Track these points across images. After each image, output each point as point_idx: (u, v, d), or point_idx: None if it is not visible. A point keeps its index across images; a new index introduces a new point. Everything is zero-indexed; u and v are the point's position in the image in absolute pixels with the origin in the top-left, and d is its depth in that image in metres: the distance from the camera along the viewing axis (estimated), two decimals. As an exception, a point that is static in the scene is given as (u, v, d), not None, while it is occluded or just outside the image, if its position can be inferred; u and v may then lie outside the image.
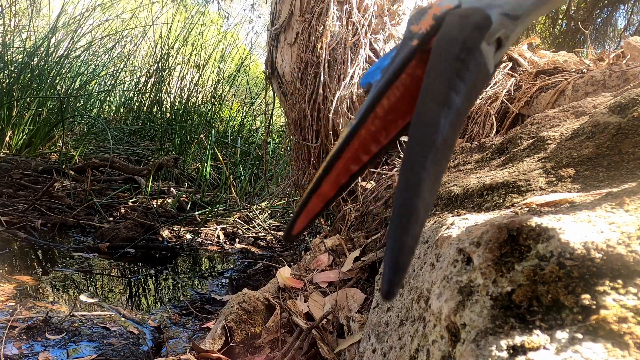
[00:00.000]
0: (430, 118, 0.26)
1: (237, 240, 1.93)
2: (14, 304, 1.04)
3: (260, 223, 2.11)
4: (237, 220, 2.14)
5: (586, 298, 0.29)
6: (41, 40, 2.98)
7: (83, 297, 1.15)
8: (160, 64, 3.46)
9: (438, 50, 0.29)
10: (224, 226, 2.05)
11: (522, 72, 1.45)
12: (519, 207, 0.47)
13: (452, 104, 0.27)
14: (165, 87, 3.54)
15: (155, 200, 2.14)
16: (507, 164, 0.68)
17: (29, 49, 2.94)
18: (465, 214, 0.54)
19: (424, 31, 0.32)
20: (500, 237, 0.35)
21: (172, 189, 2.41)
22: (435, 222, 0.53)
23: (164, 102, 3.56)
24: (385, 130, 0.34)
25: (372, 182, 1.25)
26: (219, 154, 2.65)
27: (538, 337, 0.29)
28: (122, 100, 3.74)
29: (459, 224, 0.45)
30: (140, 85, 3.63)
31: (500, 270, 0.34)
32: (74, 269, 1.35)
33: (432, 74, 0.28)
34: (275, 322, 0.85)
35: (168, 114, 3.53)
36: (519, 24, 0.32)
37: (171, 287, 1.34)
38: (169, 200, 2.21)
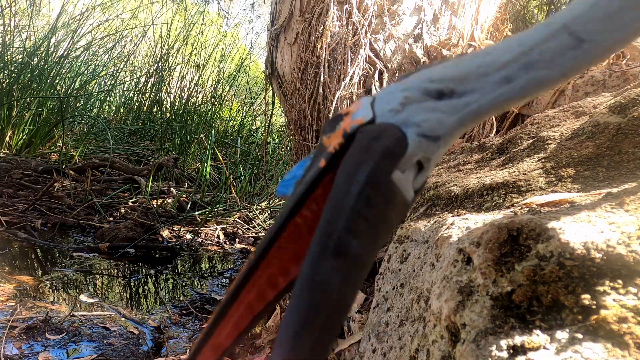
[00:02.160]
0: (314, 274, 0.22)
1: (237, 240, 1.93)
2: (14, 304, 1.04)
3: (260, 223, 2.11)
4: (237, 220, 2.14)
5: (586, 298, 0.29)
6: (41, 40, 2.98)
7: (83, 297, 1.15)
8: (160, 64, 3.46)
9: (338, 184, 0.24)
10: (224, 226, 2.05)
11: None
12: (519, 207, 0.47)
13: (348, 251, 0.22)
14: (165, 87, 3.54)
15: (155, 200, 2.14)
16: (507, 164, 0.68)
17: (29, 49, 2.94)
18: (465, 214, 0.54)
19: (332, 150, 0.27)
20: (500, 237, 0.35)
21: (172, 189, 2.41)
22: (435, 222, 0.53)
23: (164, 102, 3.56)
24: (295, 261, 0.29)
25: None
26: (219, 154, 2.65)
27: (538, 337, 0.29)
28: (122, 100, 3.74)
29: (459, 224, 0.45)
30: (140, 85, 3.63)
31: (500, 270, 0.34)
32: (74, 269, 1.35)
33: (328, 213, 0.23)
34: (275, 322, 0.85)
35: (168, 114, 3.53)
36: (442, 144, 0.27)
37: (171, 287, 1.34)
38: (169, 200, 2.21)
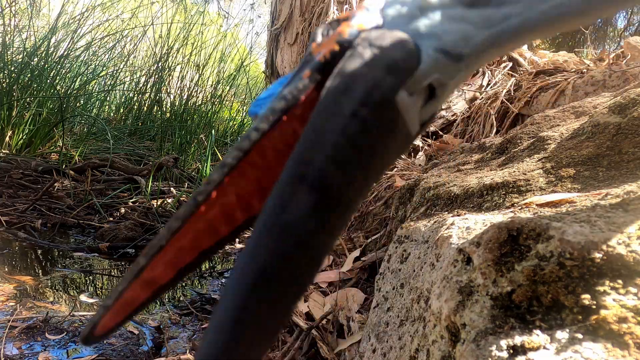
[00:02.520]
0: (282, 211, 0.16)
1: (237, 240, 1.93)
2: (14, 304, 1.04)
3: (260, 223, 2.11)
4: (237, 220, 2.14)
5: (586, 298, 0.29)
6: (41, 40, 2.98)
7: (83, 297, 1.15)
8: (160, 64, 3.46)
9: (326, 100, 0.19)
10: (224, 226, 2.05)
11: (522, 72, 1.45)
12: (519, 207, 0.47)
13: (330, 186, 0.17)
14: (165, 87, 3.54)
15: (155, 200, 2.14)
16: (507, 164, 0.68)
17: (29, 49, 2.94)
18: (465, 214, 0.54)
19: (322, 59, 0.21)
20: (500, 237, 0.35)
21: (172, 189, 2.41)
22: (435, 222, 0.53)
23: (164, 102, 3.56)
24: (258, 195, 0.24)
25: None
26: (219, 154, 2.64)
27: (538, 337, 0.29)
28: (122, 100, 3.74)
29: (459, 224, 0.45)
30: (140, 85, 3.63)
31: (500, 270, 0.34)
32: (74, 269, 1.35)
33: (309, 135, 0.18)
34: (275, 322, 0.85)
35: (168, 114, 3.53)
36: (463, 67, 0.22)
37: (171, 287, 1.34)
38: (169, 200, 2.21)
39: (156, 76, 3.47)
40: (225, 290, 0.17)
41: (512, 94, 1.25)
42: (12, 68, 2.78)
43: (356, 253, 0.97)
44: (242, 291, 0.16)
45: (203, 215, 0.23)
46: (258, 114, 0.24)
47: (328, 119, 0.18)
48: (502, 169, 0.66)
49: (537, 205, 0.46)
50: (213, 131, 2.81)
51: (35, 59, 2.89)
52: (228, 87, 3.78)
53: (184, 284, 1.36)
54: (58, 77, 3.03)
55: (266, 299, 0.16)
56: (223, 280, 1.41)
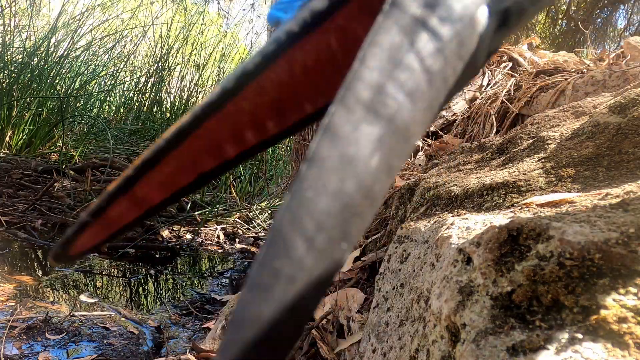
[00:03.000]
0: (345, 145, 0.13)
1: (237, 240, 1.93)
2: (14, 304, 1.04)
3: (260, 223, 2.11)
4: (237, 220, 2.14)
5: (586, 298, 0.29)
6: (41, 40, 2.98)
7: (83, 297, 1.15)
8: (160, 64, 3.46)
9: (393, 6, 0.15)
10: (224, 226, 2.05)
11: (522, 72, 1.45)
12: (519, 207, 0.48)
13: (395, 117, 0.13)
14: (165, 87, 3.54)
15: (155, 200, 2.14)
16: (507, 164, 0.68)
17: (29, 49, 2.94)
18: (465, 214, 0.54)
19: None
20: (500, 237, 0.35)
21: (172, 189, 2.41)
22: (435, 222, 0.53)
23: (164, 102, 3.57)
24: (277, 115, 0.20)
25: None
26: (219, 154, 2.64)
27: (538, 337, 0.29)
28: (122, 100, 3.74)
29: (459, 224, 0.45)
30: (140, 85, 3.63)
31: (500, 270, 0.34)
32: (74, 269, 1.35)
33: (371, 51, 0.14)
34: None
35: (168, 114, 3.53)
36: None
37: (171, 287, 1.34)
38: (169, 200, 2.21)
39: (156, 76, 3.47)
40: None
41: (512, 94, 1.25)
42: (12, 68, 2.78)
43: (356, 253, 0.97)
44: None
45: (210, 130, 0.19)
46: (281, 19, 0.20)
47: (396, 33, 0.14)
48: (502, 169, 0.66)
49: (537, 205, 0.46)
50: (213, 131, 2.81)
51: (35, 59, 2.89)
52: (228, 87, 3.78)
53: (184, 284, 1.36)
54: (58, 77, 3.03)
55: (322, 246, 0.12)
56: (223, 280, 1.41)
